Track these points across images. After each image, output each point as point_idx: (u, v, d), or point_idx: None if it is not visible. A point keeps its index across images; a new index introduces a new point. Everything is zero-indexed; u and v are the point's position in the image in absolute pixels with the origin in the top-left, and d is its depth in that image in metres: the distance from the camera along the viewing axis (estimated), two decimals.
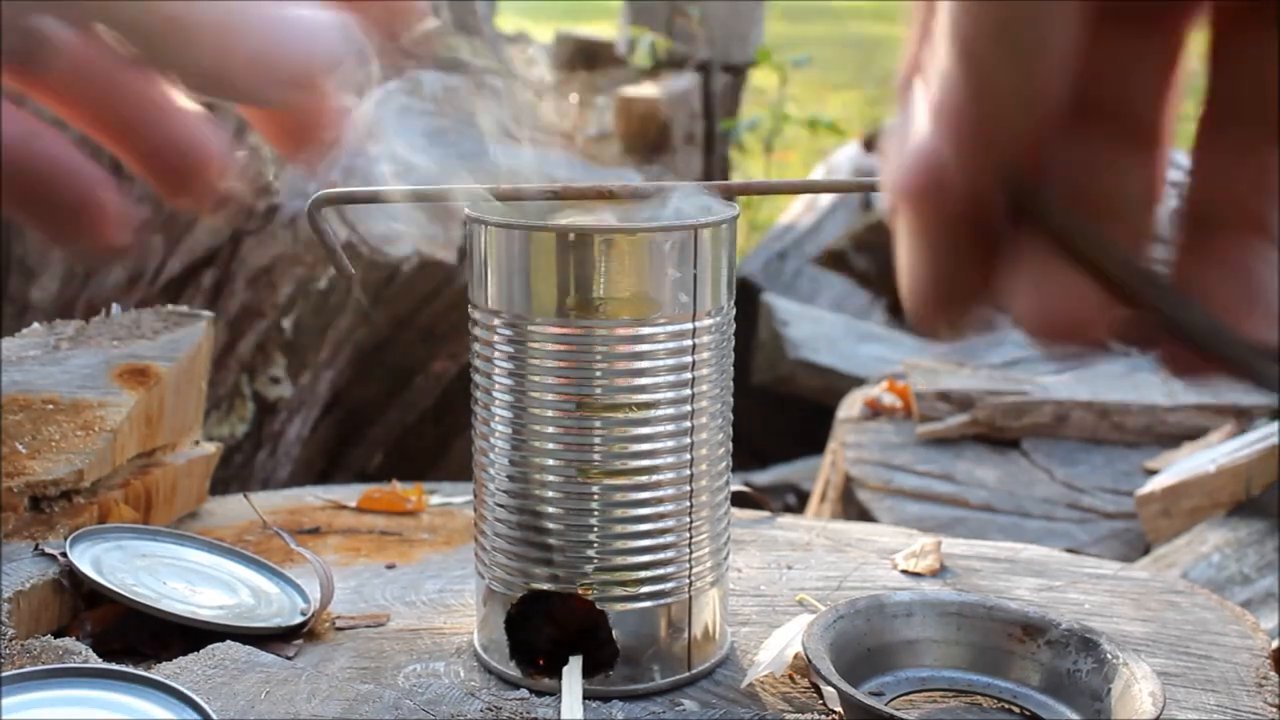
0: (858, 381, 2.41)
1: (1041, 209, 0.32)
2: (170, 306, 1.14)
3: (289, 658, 0.79)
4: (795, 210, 3.99)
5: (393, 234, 2.05)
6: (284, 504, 1.13)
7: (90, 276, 2.27)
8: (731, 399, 0.78)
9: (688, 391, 0.74)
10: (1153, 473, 1.71)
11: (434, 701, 0.74)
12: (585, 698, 0.74)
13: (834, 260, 3.57)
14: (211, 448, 1.10)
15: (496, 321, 0.73)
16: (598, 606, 0.74)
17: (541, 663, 0.77)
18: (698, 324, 0.73)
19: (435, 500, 1.13)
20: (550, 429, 0.73)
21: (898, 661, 0.77)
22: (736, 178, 4.61)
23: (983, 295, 0.32)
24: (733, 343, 0.77)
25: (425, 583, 0.93)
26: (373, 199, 0.72)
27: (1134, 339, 0.33)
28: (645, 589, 0.75)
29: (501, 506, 0.76)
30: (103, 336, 1.09)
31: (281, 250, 2.10)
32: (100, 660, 0.75)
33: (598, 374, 0.72)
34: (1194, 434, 1.83)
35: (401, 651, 0.80)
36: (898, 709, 0.72)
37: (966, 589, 0.90)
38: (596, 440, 0.72)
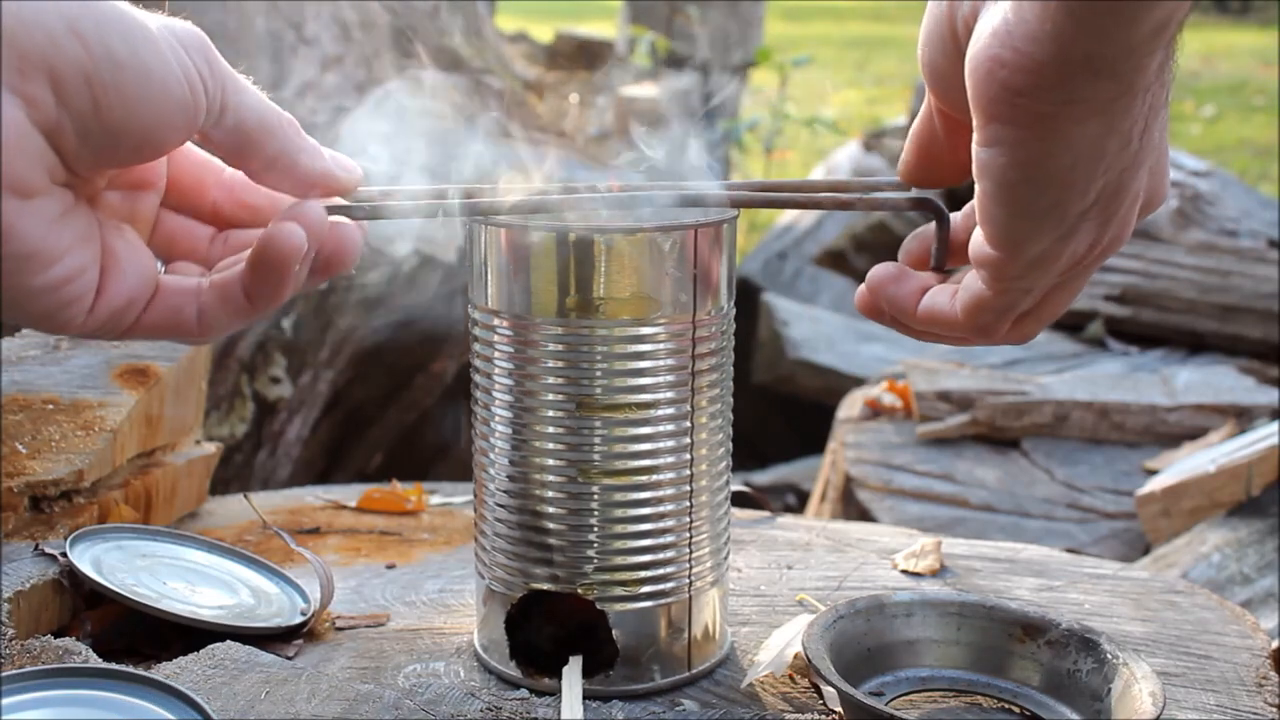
0: (858, 381, 2.41)
1: None
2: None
3: (289, 658, 0.79)
4: (795, 210, 3.98)
5: (393, 234, 2.05)
6: (284, 504, 1.13)
7: None
8: (731, 399, 0.78)
9: (688, 391, 0.74)
10: (1153, 473, 1.71)
11: (434, 701, 0.74)
12: (585, 698, 0.74)
13: (834, 260, 3.57)
14: (211, 448, 1.10)
15: (496, 321, 0.73)
16: (598, 606, 0.74)
17: (541, 663, 0.77)
18: (698, 324, 0.73)
19: (435, 500, 1.13)
20: (550, 429, 0.73)
21: (898, 661, 0.77)
22: (736, 178, 4.62)
23: None
24: (733, 343, 0.77)
25: (425, 583, 0.93)
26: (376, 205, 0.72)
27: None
28: (645, 589, 0.75)
29: (501, 506, 0.76)
30: None
31: None
32: (100, 660, 0.75)
33: (598, 374, 0.72)
34: (1194, 434, 1.83)
35: (401, 651, 0.80)
36: (898, 709, 0.72)
37: (966, 589, 0.90)
38: (596, 440, 0.72)
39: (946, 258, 0.66)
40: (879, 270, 0.65)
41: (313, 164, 0.59)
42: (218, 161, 0.63)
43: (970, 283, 0.60)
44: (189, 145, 0.63)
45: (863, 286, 0.66)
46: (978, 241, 0.57)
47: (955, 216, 0.67)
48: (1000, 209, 0.54)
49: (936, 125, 0.61)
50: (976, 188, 0.55)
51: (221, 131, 0.56)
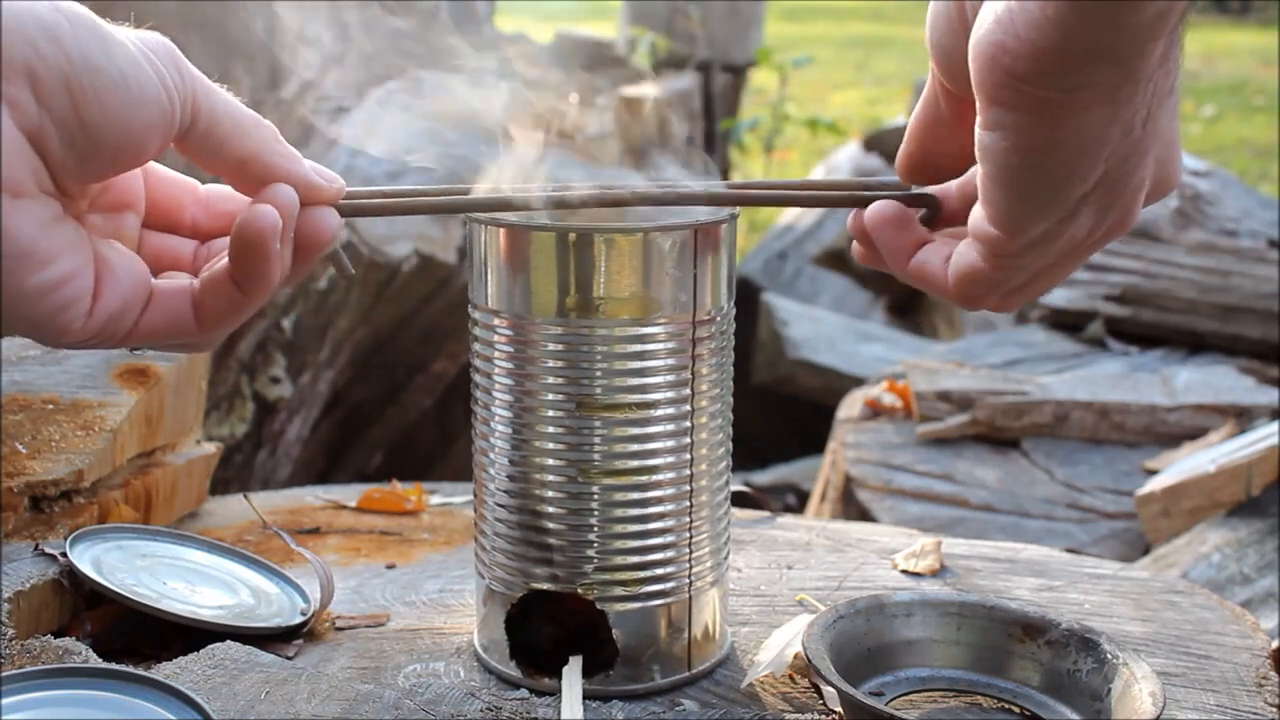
0: (858, 381, 2.41)
1: None
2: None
3: (289, 658, 0.79)
4: (795, 210, 3.98)
5: (393, 234, 2.05)
6: (284, 504, 1.13)
7: None
8: (731, 399, 0.78)
9: (688, 391, 0.74)
10: (1153, 473, 1.71)
11: (434, 701, 0.74)
12: (585, 698, 0.74)
13: (834, 260, 3.57)
14: (211, 448, 1.10)
15: (496, 321, 0.73)
16: (598, 606, 0.74)
17: (541, 663, 0.77)
18: (698, 324, 0.73)
19: (435, 500, 1.13)
20: (550, 429, 0.73)
21: (898, 661, 0.77)
22: (736, 178, 4.62)
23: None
24: (733, 343, 0.77)
25: (425, 583, 0.93)
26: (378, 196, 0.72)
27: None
28: (645, 589, 0.75)
29: (501, 506, 0.76)
30: None
31: None
32: (100, 660, 0.75)
33: (598, 374, 0.72)
34: (1194, 434, 1.82)
35: (401, 651, 0.80)
36: (898, 709, 0.72)
37: (966, 589, 0.90)
38: (596, 440, 0.72)
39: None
40: (882, 207, 0.65)
41: (290, 168, 0.60)
42: (192, 180, 0.65)
43: (965, 252, 0.60)
44: (163, 167, 0.64)
45: (858, 213, 0.66)
46: (978, 217, 0.58)
47: (951, 186, 0.66)
48: (1001, 192, 0.55)
49: (941, 107, 0.61)
50: (979, 169, 0.55)
51: (196, 134, 0.57)
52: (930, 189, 0.66)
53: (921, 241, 0.65)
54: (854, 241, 0.68)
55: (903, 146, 0.64)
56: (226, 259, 0.59)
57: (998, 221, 0.56)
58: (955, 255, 0.61)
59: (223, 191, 0.65)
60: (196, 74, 0.57)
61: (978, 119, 0.54)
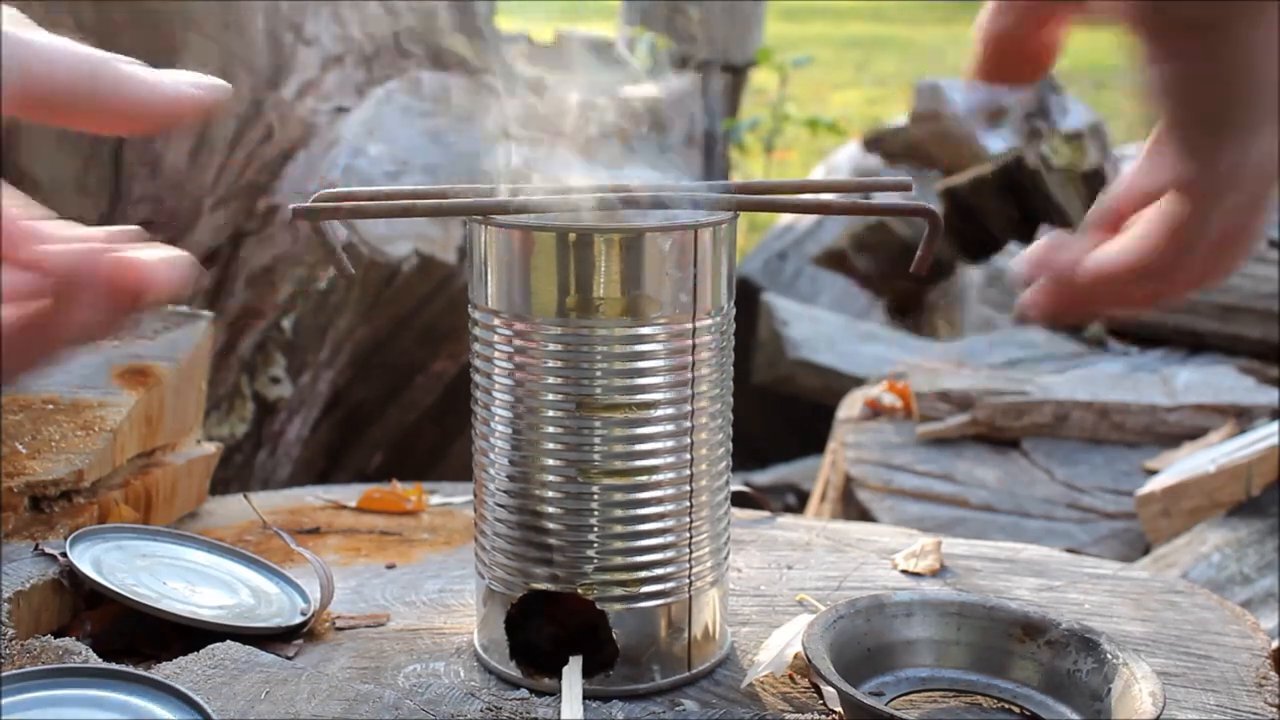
0: (858, 381, 2.41)
1: None
2: (170, 306, 1.14)
3: (289, 658, 0.79)
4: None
5: (393, 234, 2.05)
6: (284, 504, 1.13)
7: None
8: (731, 399, 0.78)
9: (688, 391, 0.74)
10: (1153, 473, 1.71)
11: (434, 701, 0.74)
12: (585, 698, 0.74)
13: (834, 260, 3.57)
14: (211, 448, 1.10)
15: (496, 321, 0.73)
16: (598, 606, 0.74)
17: (541, 663, 0.77)
18: (698, 324, 0.73)
19: (435, 500, 1.13)
20: (550, 429, 0.73)
21: (898, 661, 0.77)
22: (736, 178, 4.61)
23: None
24: (733, 343, 0.77)
25: (425, 583, 0.93)
26: (373, 198, 0.72)
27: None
28: (645, 589, 0.75)
29: (501, 506, 0.76)
30: None
31: (281, 250, 2.10)
32: (100, 660, 0.75)
33: (597, 374, 0.72)
34: (1194, 434, 1.83)
35: (401, 651, 0.80)
36: (898, 709, 0.72)
37: (966, 589, 0.90)
38: (596, 440, 0.72)
39: (928, 264, 0.65)
40: (1032, 249, 0.60)
41: (148, 93, 0.52)
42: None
43: (1157, 214, 0.56)
44: None
45: (1021, 256, 0.61)
46: (1162, 174, 0.55)
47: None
48: (1185, 110, 0.52)
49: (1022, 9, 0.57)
50: (1160, 117, 0.54)
51: (41, 111, 0.51)
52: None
53: (1080, 255, 0.59)
54: (1029, 300, 0.61)
55: (980, 50, 0.58)
56: (31, 302, 0.52)
57: (1191, 150, 0.53)
58: (1145, 222, 0.57)
59: (36, 228, 0.56)
60: (21, 51, 0.50)
61: (1141, 54, 0.51)
